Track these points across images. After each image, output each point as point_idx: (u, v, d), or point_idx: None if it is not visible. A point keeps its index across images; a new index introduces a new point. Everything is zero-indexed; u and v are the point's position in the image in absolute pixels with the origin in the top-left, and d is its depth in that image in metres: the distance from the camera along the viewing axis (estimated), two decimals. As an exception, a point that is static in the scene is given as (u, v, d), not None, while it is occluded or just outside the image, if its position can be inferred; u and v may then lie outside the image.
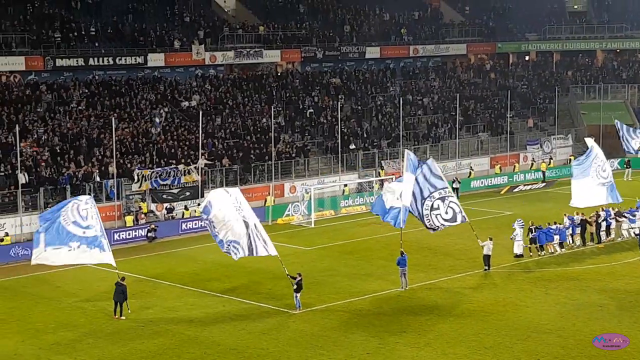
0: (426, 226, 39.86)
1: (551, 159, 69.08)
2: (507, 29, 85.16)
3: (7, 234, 44.93)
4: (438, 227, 39.82)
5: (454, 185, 57.09)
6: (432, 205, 39.46)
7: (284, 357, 29.31)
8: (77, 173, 49.45)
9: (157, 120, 55.34)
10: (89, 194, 48.41)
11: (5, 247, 43.77)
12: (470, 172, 64.18)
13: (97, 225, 35.14)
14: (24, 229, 45.95)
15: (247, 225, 35.10)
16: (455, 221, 39.91)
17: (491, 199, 59.69)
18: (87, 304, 35.80)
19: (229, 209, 35.40)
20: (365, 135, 64.42)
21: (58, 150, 51.07)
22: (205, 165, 53.27)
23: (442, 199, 39.69)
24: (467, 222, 40.39)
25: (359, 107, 67.96)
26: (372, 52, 74.08)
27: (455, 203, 40.01)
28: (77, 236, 34.80)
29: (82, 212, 35.14)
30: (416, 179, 39.35)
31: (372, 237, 46.52)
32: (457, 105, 67.07)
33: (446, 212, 39.72)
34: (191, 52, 63.32)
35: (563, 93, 76.05)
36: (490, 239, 40.21)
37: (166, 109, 58.62)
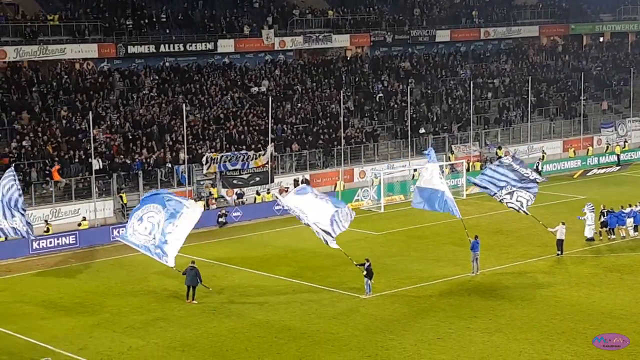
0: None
1: (626, 142, 67.62)
2: (581, 10, 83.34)
3: (84, 219, 45.69)
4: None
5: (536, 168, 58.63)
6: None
7: (354, 342, 29.28)
8: (149, 159, 50.10)
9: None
10: (162, 180, 49.43)
11: (82, 232, 44.53)
12: (542, 156, 63.18)
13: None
14: (97, 214, 46.77)
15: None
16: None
17: (564, 183, 58.69)
18: (160, 288, 36.27)
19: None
20: (435, 120, 63.91)
21: (130, 137, 51.80)
22: (275, 150, 53.46)
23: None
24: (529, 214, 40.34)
25: (429, 91, 67.39)
26: (443, 35, 73.20)
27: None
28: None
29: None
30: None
31: (441, 222, 46.08)
32: (529, 88, 66.03)
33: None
34: (261, 37, 63.43)
35: (639, 75, 74.20)
36: (563, 224, 39.58)
37: (236, 94, 59.00)
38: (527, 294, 34.09)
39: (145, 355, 28.53)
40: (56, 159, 48.02)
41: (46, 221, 44.58)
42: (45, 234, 43.67)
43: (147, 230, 34.98)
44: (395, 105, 63.98)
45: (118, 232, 45.20)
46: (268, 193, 51.54)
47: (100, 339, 30.12)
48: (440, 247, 42.00)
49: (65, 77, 55.62)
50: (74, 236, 43.99)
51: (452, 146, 61.12)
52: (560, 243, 39.37)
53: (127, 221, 45.99)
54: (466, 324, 30.68)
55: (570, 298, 33.38)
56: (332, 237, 35.04)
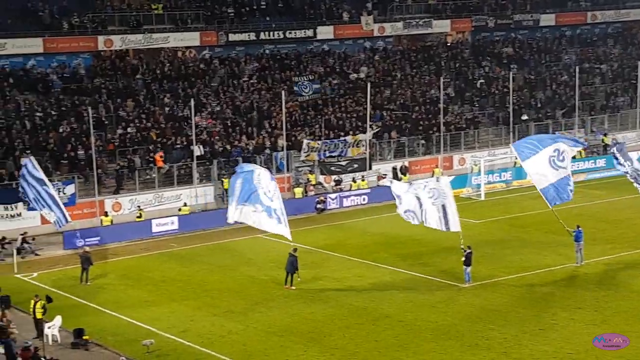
0: None
1: None
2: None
3: (185, 204, 46.37)
4: None
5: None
6: None
7: (453, 331, 28.90)
8: (248, 145, 50.52)
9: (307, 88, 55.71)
10: (261, 166, 49.74)
11: (183, 217, 45.21)
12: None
13: (277, 200, 35.13)
14: (198, 199, 47.42)
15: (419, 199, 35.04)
16: None
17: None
18: (259, 273, 36.53)
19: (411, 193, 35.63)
20: (538, 106, 62.57)
21: (230, 123, 52.32)
22: (373, 137, 53.20)
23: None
24: None
25: (532, 77, 66.02)
26: (547, 19, 71.57)
27: None
28: (263, 202, 34.92)
29: (270, 183, 35.25)
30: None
31: (544, 211, 44.77)
32: (639, 73, 63.90)
33: None
34: (360, 24, 63.20)
35: None
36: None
37: (335, 81, 58.93)
38: (635, 285, 33.05)
39: (245, 339, 28.76)
40: (159, 145, 48.86)
41: (139, 207, 45.40)
42: (138, 219, 44.46)
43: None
44: (497, 91, 62.91)
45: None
46: (363, 180, 51.35)
47: (201, 322, 30.49)
48: (543, 236, 41.09)
49: (168, 64, 56.51)
50: (175, 221, 44.67)
51: (556, 133, 59.67)
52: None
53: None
54: (570, 315, 29.95)
55: (680, 290, 32.27)
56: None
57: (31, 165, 38.21)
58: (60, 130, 48.43)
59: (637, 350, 26.57)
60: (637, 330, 28.12)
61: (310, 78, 56.00)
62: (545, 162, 36.47)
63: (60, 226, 38.23)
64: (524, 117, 59.99)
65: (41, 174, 38.05)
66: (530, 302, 31.56)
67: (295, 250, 34.58)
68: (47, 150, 46.68)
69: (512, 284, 33.89)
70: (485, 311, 30.74)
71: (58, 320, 29.15)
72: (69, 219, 38.46)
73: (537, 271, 35.34)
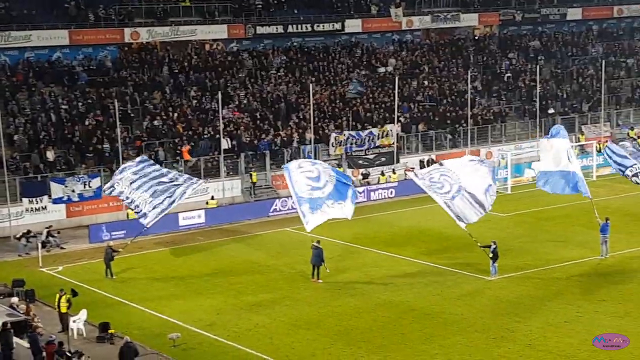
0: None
1: None
2: None
3: (212, 198, 46.54)
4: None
5: None
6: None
7: (479, 323, 28.95)
8: (275, 138, 50.63)
9: (353, 86, 55.87)
10: (288, 160, 49.84)
11: (210, 211, 45.39)
12: None
13: (327, 183, 35.19)
14: (225, 193, 47.58)
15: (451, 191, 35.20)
16: None
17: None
18: (285, 267, 36.68)
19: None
20: (564, 98, 62.29)
21: (258, 116, 52.43)
22: (402, 130, 53.21)
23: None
24: None
25: (559, 70, 65.72)
26: (574, 13, 71.18)
27: None
28: (323, 198, 34.93)
29: (311, 174, 35.33)
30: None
31: (570, 204, 44.89)
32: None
33: None
34: (388, 17, 63.10)
35: None
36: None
37: (363, 72, 58.88)
38: (660, 279, 32.99)
39: (272, 333, 28.92)
40: (185, 138, 48.97)
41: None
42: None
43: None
44: (524, 85, 62.69)
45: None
46: (394, 173, 51.38)
47: (228, 316, 30.68)
48: (568, 229, 41.01)
49: (195, 57, 56.68)
50: (202, 214, 44.85)
51: (582, 126, 59.52)
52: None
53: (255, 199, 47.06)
54: (594, 308, 29.95)
55: None
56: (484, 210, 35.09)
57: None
58: (86, 123, 48.63)
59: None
60: (664, 325, 28.11)
61: (360, 80, 56.21)
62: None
63: (142, 222, 38.33)
64: (551, 111, 59.75)
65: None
66: (556, 295, 31.55)
67: (318, 242, 34.67)
68: (72, 143, 47.01)
69: (537, 276, 33.87)
70: (511, 304, 30.77)
71: (83, 314, 29.25)
72: (148, 226, 38.53)
73: (563, 264, 35.30)
